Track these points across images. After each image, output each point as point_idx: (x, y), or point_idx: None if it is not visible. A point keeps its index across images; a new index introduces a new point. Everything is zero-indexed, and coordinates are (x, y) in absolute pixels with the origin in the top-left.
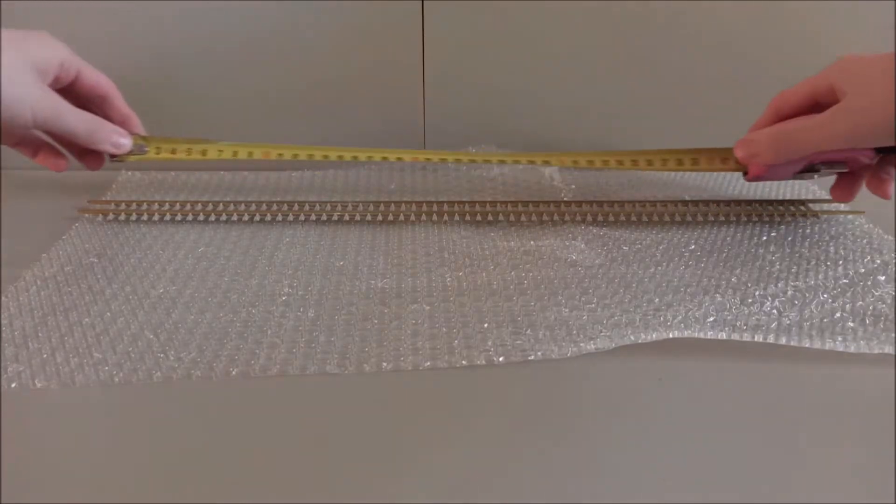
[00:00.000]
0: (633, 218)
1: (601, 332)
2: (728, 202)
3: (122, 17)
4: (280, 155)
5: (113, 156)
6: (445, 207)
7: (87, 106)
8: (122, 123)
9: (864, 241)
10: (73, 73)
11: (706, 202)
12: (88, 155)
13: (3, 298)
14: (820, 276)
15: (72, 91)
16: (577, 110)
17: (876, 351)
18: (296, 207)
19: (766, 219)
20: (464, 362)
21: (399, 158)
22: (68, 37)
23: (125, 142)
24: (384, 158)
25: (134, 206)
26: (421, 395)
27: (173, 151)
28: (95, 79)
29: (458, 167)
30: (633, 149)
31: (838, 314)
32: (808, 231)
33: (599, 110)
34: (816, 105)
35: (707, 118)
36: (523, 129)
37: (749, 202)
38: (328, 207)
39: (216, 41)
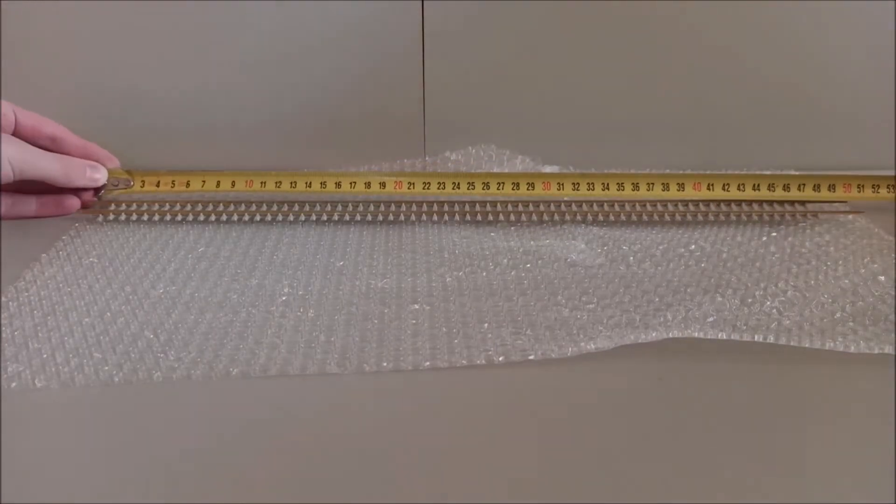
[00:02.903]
0: (633, 218)
1: (601, 331)
2: (728, 202)
3: (122, 19)
4: (263, 184)
5: (96, 193)
6: (445, 207)
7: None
8: (85, 158)
9: (864, 241)
10: (11, 116)
11: (706, 202)
12: (66, 200)
13: (3, 298)
14: (820, 276)
15: (17, 135)
16: (577, 111)
17: (876, 351)
18: (296, 208)
19: (766, 219)
20: (464, 362)
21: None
22: (67, 38)
23: (99, 175)
24: (367, 185)
25: (134, 206)
26: (421, 395)
27: (157, 184)
28: (33, 119)
29: (457, 165)
30: (633, 149)
31: (838, 314)
32: (808, 231)
33: (600, 110)
34: None
35: (708, 121)
36: (523, 130)
37: (749, 202)
38: (328, 207)
39: (214, 43)
